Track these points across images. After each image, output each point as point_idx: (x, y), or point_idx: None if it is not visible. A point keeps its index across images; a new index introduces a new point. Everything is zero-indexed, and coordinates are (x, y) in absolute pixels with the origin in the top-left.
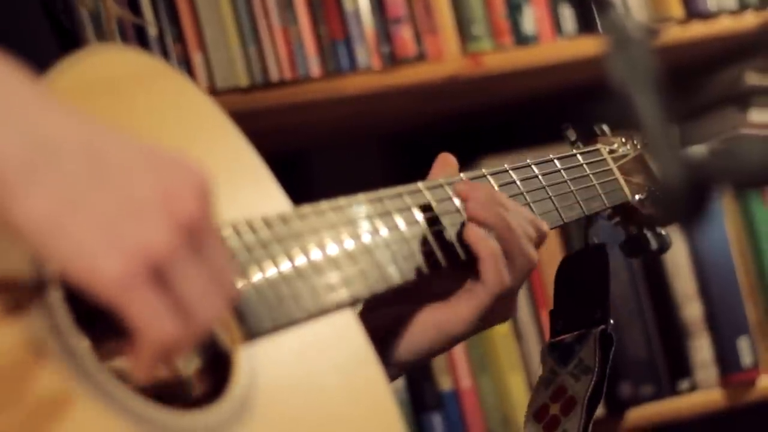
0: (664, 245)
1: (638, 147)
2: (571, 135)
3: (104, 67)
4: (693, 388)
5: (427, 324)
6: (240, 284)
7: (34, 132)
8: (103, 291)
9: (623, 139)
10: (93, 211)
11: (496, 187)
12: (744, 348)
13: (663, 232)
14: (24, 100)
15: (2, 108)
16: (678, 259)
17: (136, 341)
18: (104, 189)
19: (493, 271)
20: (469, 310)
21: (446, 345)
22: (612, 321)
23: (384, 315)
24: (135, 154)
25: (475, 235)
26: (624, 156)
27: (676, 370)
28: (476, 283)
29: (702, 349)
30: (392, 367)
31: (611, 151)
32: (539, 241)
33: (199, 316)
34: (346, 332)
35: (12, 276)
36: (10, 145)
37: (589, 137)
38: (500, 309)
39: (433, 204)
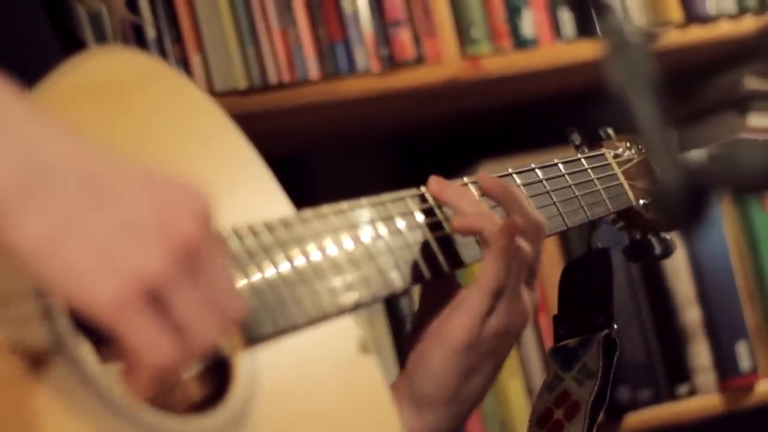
0: (668, 250)
1: (643, 151)
2: (576, 139)
3: (106, 69)
4: (692, 392)
5: (430, 343)
6: (242, 288)
7: (31, 154)
8: (98, 314)
9: (628, 144)
10: (89, 235)
11: None
12: (742, 353)
13: (667, 237)
14: (21, 122)
15: (0, 129)
16: (677, 264)
17: (133, 363)
18: (100, 212)
19: (491, 267)
20: (464, 313)
21: (457, 360)
22: (615, 326)
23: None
24: (132, 177)
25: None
26: (629, 160)
27: (674, 374)
28: (471, 285)
29: (701, 354)
30: (436, 410)
31: (616, 156)
32: (535, 235)
33: (196, 339)
34: (347, 337)
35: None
36: (7, 167)
37: (593, 141)
38: (505, 311)
39: (436, 208)
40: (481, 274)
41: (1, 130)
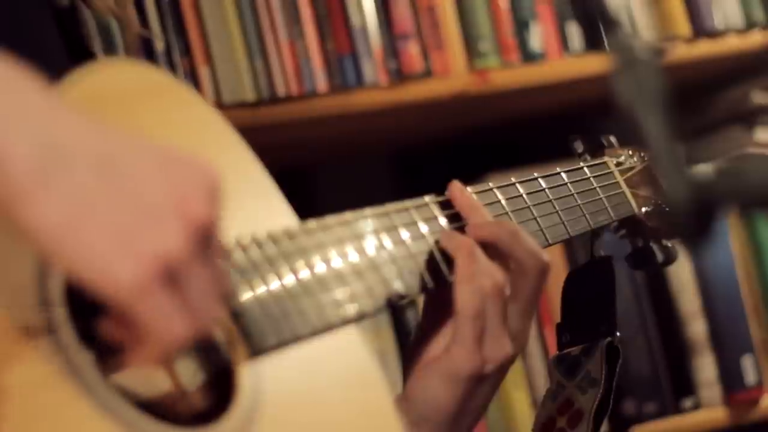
0: (670, 257)
1: (645, 159)
2: (579, 147)
3: (112, 80)
4: (697, 406)
5: (428, 371)
6: (246, 299)
7: (47, 137)
8: (116, 296)
9: (630, 152)
10: (106, 217)
11: (503, 201)
12: (748, 366)
13: (669, 244)
14: (37, 105)
15: (15, 113)
16: (683, 277)
17: (143, 339)
18: (117, 194)
19: (466, 293)
20: (458, 343)
21: (455, 389)
22: (618, 333)
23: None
24: (147, 157)
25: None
26: (631, 168)
27: (679, 388)
28: (456, 313)
29: (706, 368)
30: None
31: (618, 164)
32: (536, 271)
33: (204, 314)
34: (351, 348)
35: (18, 305)
36: (24, 150)
37: (596, 149)
38: (494, 339)
39: (440, 218)
40: (455, 300)
41: (17, 113)
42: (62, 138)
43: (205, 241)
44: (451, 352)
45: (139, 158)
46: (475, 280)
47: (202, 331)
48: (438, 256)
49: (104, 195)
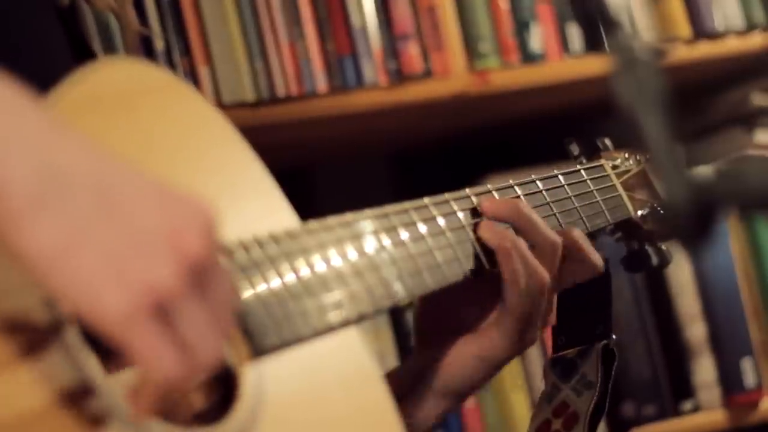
0: (665, 260)
1: (641, 162)
2: (574, 149)
3: (114, 80)
4: (696, 408)
5: (468, 352)
6: (248, 300)
7: (46, 161)
8: (105, 326)
9: (626, 154)
10: (100, 245)
11: None
12: (747, 369)
13: (664, 247)
14: (37, 128)
15: (15, 136)
16: (682, 279)
17: (139, 379)
18: (112, 223)
19: (516, 295)
20: (502, 335)
21: (491, 372)
22: (614, 336)
23: (422, 356)
24: (145, 188)
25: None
26: (627, 171)
27: (679, 390)
28: (503, 309)
29: (705, 370)
30: (456, 400)
31: (614, 167)
32: (551, 255)
33: (200, 355)
34: (352, 349)
35: (24, 307)
36: (22, 174)
37: (592, 152)
38: (526, 330)
39: (439, 219)
40: (504, 299)
41: (16, 135)
42: (62, 162)
43: (201, 278)
44: (494, 341)
45: (137, 188)
46: (522, 280)
47: (200, 371)
48: (439, 257)
49: (100, 223)
